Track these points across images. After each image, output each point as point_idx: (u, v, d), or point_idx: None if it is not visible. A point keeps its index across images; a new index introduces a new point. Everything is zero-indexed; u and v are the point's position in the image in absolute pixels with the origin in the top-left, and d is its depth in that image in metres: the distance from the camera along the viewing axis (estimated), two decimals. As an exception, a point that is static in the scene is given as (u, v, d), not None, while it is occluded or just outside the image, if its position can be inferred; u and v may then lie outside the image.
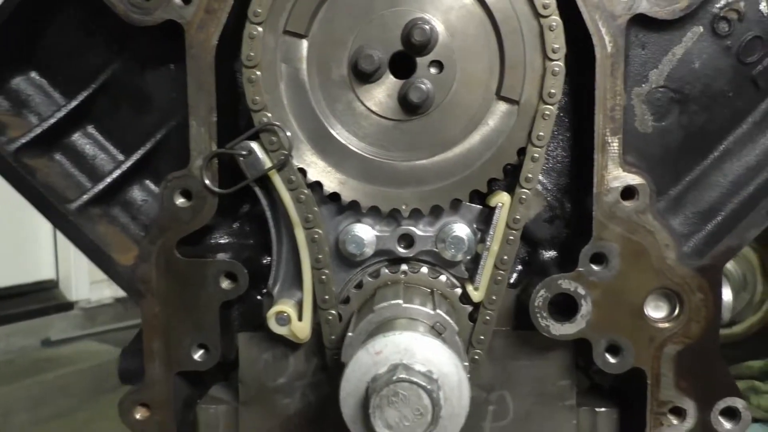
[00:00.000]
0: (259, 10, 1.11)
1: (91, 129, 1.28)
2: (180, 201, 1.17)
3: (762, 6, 1.14)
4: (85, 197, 1.21)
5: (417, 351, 0.94)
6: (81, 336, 5.89)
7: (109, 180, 1.23)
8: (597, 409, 1.26)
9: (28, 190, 1.19)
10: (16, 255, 6.25)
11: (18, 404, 4.57)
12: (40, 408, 4.59)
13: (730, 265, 2.84)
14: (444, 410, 0.92)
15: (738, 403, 1.18)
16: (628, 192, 1.14)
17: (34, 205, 1.19)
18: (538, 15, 1.10)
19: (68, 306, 6.36)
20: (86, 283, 6.44)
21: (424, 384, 0.90)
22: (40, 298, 6.35)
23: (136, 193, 1.28)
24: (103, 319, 6.26)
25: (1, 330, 5.68)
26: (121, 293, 6.37)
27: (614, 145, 1.13)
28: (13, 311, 5.98)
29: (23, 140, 1.19)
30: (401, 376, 0.90)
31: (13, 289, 6.23)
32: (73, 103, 1.23)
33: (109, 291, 6.49)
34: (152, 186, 1.29)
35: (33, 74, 1.26)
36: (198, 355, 1.21)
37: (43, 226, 6.31)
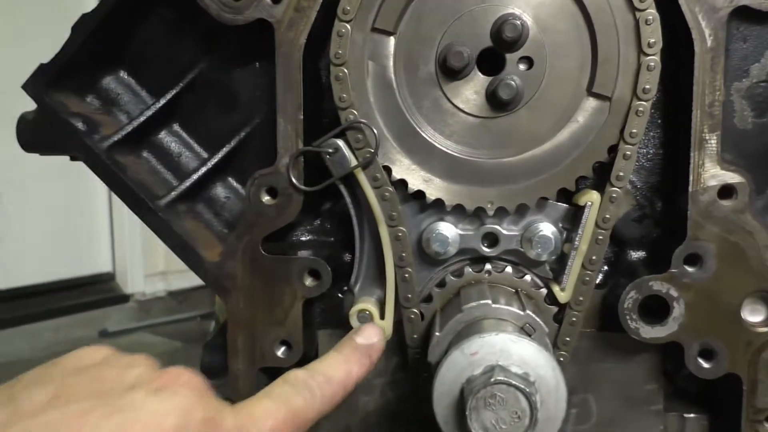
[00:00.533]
0: (348, 8, 1.11)
1: (176, 127, 1.30)
2: (266, 198, 1.17)
3: None
4: (174, 194, 1.23)
5: (513, 352, 0.92)
6: (136, 328, 6.04)
7: (195, 177, 1.25)
8: (686, 415, 1.23)
9: (120, 187, 1.21)
10: (75, 248, 6.45)
11: (77, 392, 4.72)
12: (97, 397, 4.73)
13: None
14: (541, 413, 0.90)
15: (840, 412, 1.13)
16: (726, 191, 1.10)
17: (125, 202, 1.21)
18: (633, 8, 1.07)
19: (124, 298, 6.55)
20: (141, 276, 6.61)
21: (522, 386, 0.88)
22: (97, 291, 6.55)
23: (219, 190, 1.30)
24: (156, 312, 6.42)
25: (61, 321, 5.88)
26: (173, 287, 6.55)
27: (712, 142, 1.09)
28: (71, 303, 6.18)
29: (115, 138, 1.22)
30: (499, 377, 0.88)
31: (71, 282, 6.44)
32: (162, 102, 1.25)
33: (162, 284, 6.66)
34: (234, 183, 1.30)
35: (122, 73, 1.29)
36: (281, 351, 1.21)
37: (101, 221, 6.51)
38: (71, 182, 5.78)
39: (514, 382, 0.88)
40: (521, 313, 1.08)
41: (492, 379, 0.88)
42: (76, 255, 6.42)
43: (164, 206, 1.22)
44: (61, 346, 5.49)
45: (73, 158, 1.28)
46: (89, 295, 6.42)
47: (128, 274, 6.51)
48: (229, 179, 1.30)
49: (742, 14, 1.07)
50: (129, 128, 1.24)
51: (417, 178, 1.16)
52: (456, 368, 0.93)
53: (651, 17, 1.07)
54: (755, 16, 1.07)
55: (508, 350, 0.92)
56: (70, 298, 6.24)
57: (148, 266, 6.49)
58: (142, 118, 1.25)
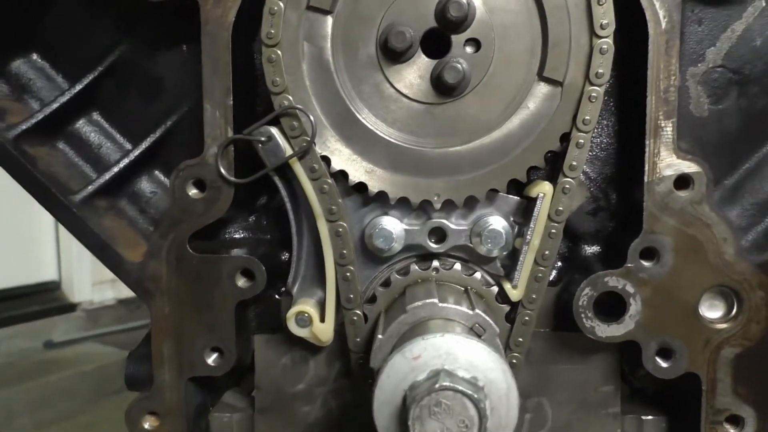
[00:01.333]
0: (281, -17, 1.02)
1: (96, 116, 1.19)
2: (193, 192, 1.08)
3: (829, -22, 1.04)
4: (90, 188, 1.12)
5: (460, 355, 0.84)
6: (83, 338, 5.83)
7: (116, 170, 1.14)
8: (644, 417, 1.17)
9: (29, 181, 1.10)
10: (19, 256, 6.18)
11: (20, 407, 4.53)
12: (42, 410, 4.53)
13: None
14: (491, 422, 0.82)
15: (800, 411, 1.08)
16: (683, 181, 1.04)
17: (34, 197, 1.10)
18: (585, -13, 1.01)
19: (71, 307, 6.31)
20: (89, 284, 6.38)
21: (470, 393, 0.80)
22: (42, 300, 6.30)
23: (145, 185, 1.20)
24: (105, 320, 6.20)
25: (3, 332, 5.63)
26: (123, 294, 6.32)
27: (668, 129, 1.03)
28: (15, 313, 5.93)
29: (24, 126, 1.11)
30: (444, 383, 0.80)
31: (15, 291, 6.18)
32: (78, 88, 1.14)
33: (111, 292, 6.43)
34: (162, 177, 1.20)
35: (34, 56, 1.17)
36: (212, 359, 1.12)
37: (45, 227, 6.24)
38: (13, 184, 5.52)
39: (460, 388, 0.80)
40: (470, 312, 1.00)
41: (436, 385, 0.80)
42: (18, 262, 6.14)
43: (79, 202, 1.11)
44: (4, 358, 5.23)
45: (-22, 150, 1.15)
46: (33, 304, 6.15)
47: (75, 282, 6.26)
48: (156, 173, 1.20)
49: (698, -5, 1.02)
50: (40, 116, 1.12)
51: (358, 169, 1.08)
52: (397, 374, 0.84)
53: (603, -4, 1.01)
54: (710, -3, 1.03)
55: (454, 353, 0.84)
56: (13, 308, 5.97)
57: (97, 274, 6.24)
58: (55, 105, 1.14)
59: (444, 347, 0.84)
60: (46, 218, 6.22)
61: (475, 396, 0.80)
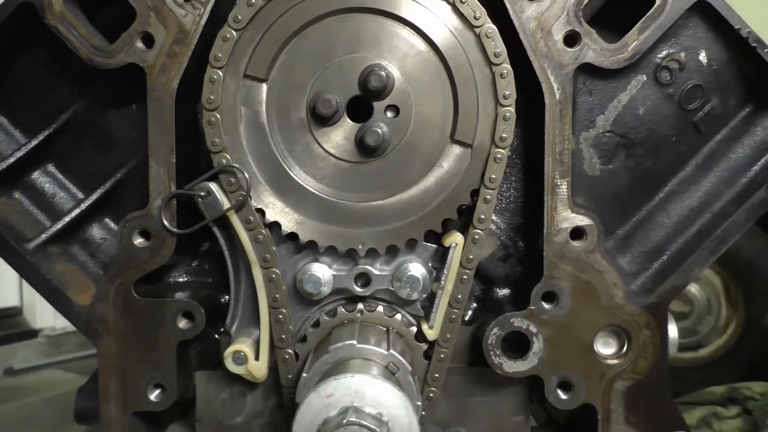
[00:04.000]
0: (220, 55, 1.14)
1: (51, 167, 1.28)
2: (138, 241, 1.17)
3: (701, 56, 1.20)
4: (44, 236, 1.21)
5: (368, 393, 0.95)
6: (45, 364, 5.74)
7: (68, 218, 1.23)
8: (552, 444, 1.29)
9: (-16, 230, 1.18)
10: (-21, 281, 6.09)
11: (-21, 435, 4.45)
12: (2, 439, 4.47)
13: (694, 289, 2.93)
14: (395, 451, 0.93)
15: (686, 436, 1.21)
16: (577, 232, 1.18)
17: (-10, 245, 1.18)
18: (490, 63, 1.15)
19: (32, 334, 6.20)
20: (51, 310, 6.27)
21: (373, 427, 0.91)
22: (3, 326, 6.18)
23: (96, 231, 1.29)
24: (68, 347, 6.11)
25: (-38, 359, 5.52)
26: (87, 320, 6.26)
27: (563, 187, 1.17)
28: (-25, 339, 5.81)
29: (-19, 179, 1.19)
30: (351, 419, 0.91)
31: (-25, 317, 6.06)
32: (34, 142, 1.24)
33: (75, 318, 6.35)
34: (112, 224, 1.29)
35: (-7, 113, 1.26)
36: (154, 395, 1.20)
37: (8, 252, 6.17)
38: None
39: (365, 423, 0.91)
40: (385, 352, 1.11)
41: (344, 420, 0.91)
42: (-21, 288, 6.06)
43: (33, 249, 1.20)
44: (-38, 385, 5.15)
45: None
46: (-6, 330, 6.06)
47: (37, 308, 6.17)
48: (106, 220, 1.29)
49: (587, 70, 1.16)
50: (-1, 169, 1.21)
51: (290, 220, 1.19)
52: (312, 410, 0.95)
53: (505, 71, 1.14)
54: (599, 72, 1.17)
55: (362, 391, 0.95)
56: (-26, 334, 5.87)
57: (60, 299, 6.20)
58: (12, 159, 1.23)
59: (354, 386, 0.95)
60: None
61: (379, 430, 0.91)
